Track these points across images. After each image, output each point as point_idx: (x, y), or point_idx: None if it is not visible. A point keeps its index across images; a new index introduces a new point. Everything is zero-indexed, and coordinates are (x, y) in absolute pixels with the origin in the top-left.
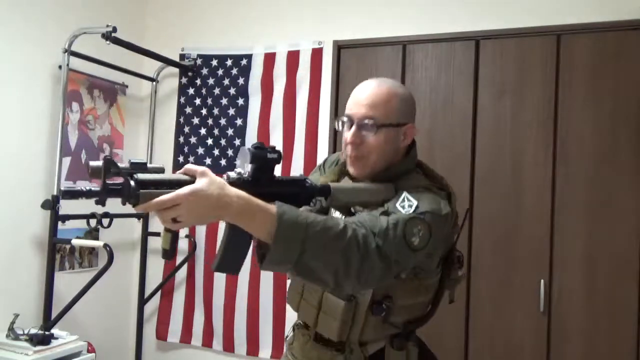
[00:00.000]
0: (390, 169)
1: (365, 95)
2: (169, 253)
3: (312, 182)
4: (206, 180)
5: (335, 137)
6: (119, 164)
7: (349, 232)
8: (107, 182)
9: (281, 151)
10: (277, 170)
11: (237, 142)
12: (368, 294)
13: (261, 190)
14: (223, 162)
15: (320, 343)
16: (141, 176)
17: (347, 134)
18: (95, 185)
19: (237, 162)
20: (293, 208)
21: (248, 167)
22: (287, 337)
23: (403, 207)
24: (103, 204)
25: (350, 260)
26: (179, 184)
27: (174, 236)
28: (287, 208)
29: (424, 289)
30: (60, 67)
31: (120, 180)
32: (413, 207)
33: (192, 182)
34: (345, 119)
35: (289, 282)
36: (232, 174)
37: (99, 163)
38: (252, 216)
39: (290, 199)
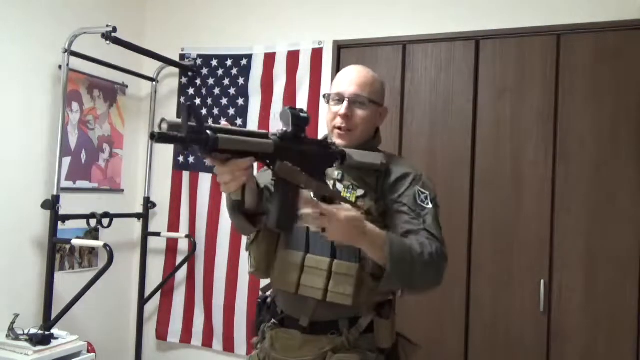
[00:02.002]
0: (366, 145)
1: (355, 76)
2: (237, 204)
3: (334, 144)
4: (356, 211)
5: None
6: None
7: (433, 251)
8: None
9: (308, 113)
10: None
11: None
12: (370, 260)
13: (299, 146)
14: None
15: (314, 333)
16: (216, 126)
17: (339, 108)
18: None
19: (281, 122)
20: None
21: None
22: (257, 343)
23: (423, 202)
24: (187, 149)
25: (439, 272)
26: (253, 134)
27: (243, 189)
28: (394, 237)
29: None
30: (60, 67)
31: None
32: (429, 199)
33: (265, 135)
34: (335, 96)
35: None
36: (278, 131)
37: (177, 119)
38: (372, 239)
39: (318, 157)
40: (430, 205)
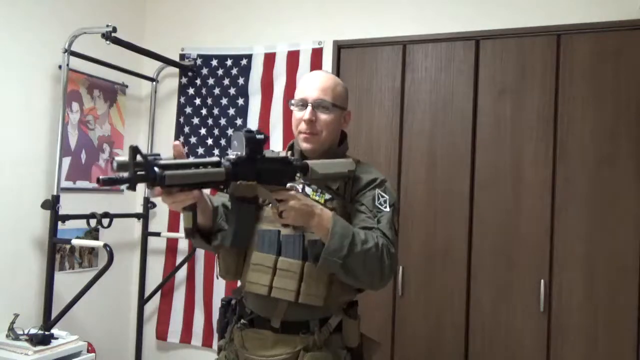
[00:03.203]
0: (331, 149)
1: (317, 81)
2: (190, 231)
3: (295, 159)
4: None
5: None
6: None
7: (379, 243)
8: (135, 169)
9: (265, 133)
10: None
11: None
12: None
13: (257, 166)
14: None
15: (286, 332)
16: (164, 161)
17: (302, 113)
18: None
19: (233, 144)
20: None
21: (238, 150)
22: (224, 345)
23: (381, 204)
24: (134, 189)
25: (383, 266)
26: (205, 164)
27: (194, 215)
28: (340, 218)
29: None
30: (60, 67)
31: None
32: (388, 203)
33: (217, 163)
34: (299, 101)
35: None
36: (232, 156)
37: (124, 158)
38: (320, 220)
39: (278, 174)
40: (387, 209)
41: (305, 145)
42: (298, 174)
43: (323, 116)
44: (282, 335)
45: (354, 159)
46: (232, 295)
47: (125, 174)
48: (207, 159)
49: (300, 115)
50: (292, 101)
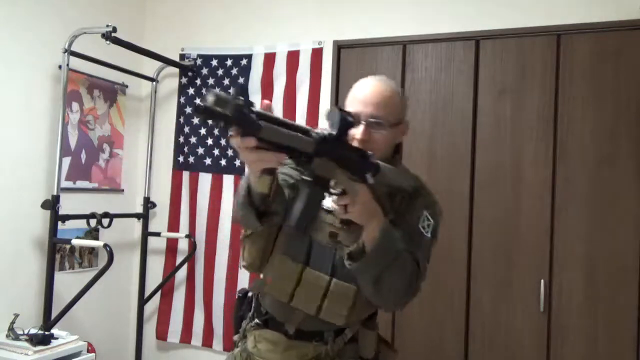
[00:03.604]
0: (384, 161)
1: (372, 94)
2: (264, 197)
3: (371, 155)
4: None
5: None
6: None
7: (412, 262)
8: (236, 107)
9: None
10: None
11: None
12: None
13: (342, 150)
14: (223, 162)
15: (299, 339)
16: (263, 111)
17: (354, 131)
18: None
19: (326, 120)
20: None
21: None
22: (237, 341)
23: (424, 228)
24: (226, 132)
25: (407, 293)
26: (296, 128)
27: (273, 180)
28: (394, 229)
29: None
30: (60, 67)
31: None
32: (431, 229)
33: (307, 131)
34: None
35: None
36: (323, 131)
37: (223, 93)
38: (378, 223)
39: (355, 166)
40: (428, 236)
41: None
42: (369, 173)
43: (377, 135)
44: (294, 342)
45: (412, 174)
46: (251, 288)
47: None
48: (296, 124)
49: (353, 132)
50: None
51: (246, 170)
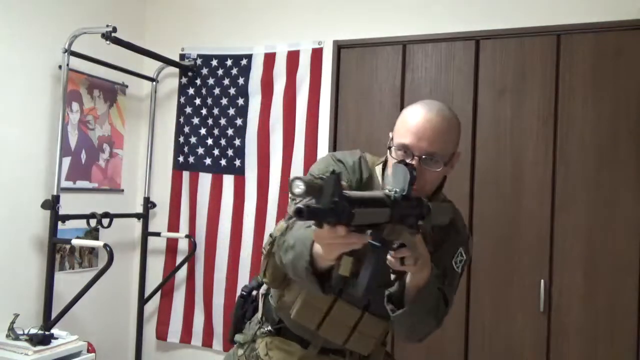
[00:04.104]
0: (433, 196)
1: (428, 128)
2: (344, 281)
3: (425, 201)
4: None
5: (335, 137)
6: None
7: (443, 302)
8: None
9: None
10: (276, 170)
11: (237, 142)
12: None
13: (407, 208)
14: (223, 162)
15: (321, 354)
16: (352, 194)
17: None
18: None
19: (393, 177)
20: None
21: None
22: (243, 343)
23: (456, 263)
24: (320, 226)
25: (440, 323)
26: (381, 202)
27: (355, 261)
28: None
29: None
30: (60, 67)
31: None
32: (463, 264)
33: (383, 200)
34: (400, 146)
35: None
36: (392, 194)
37: (314, 180)
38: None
39: (412, 217)
40: (459, 271)
41: None
42: (423, 218)
43: (429, 172)
44: (309, 352)
45: (449, 203)
46: (276, 307)
47: (305, 200)
48: (371, 194)
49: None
50: (393, 145)
51: (298, 236)
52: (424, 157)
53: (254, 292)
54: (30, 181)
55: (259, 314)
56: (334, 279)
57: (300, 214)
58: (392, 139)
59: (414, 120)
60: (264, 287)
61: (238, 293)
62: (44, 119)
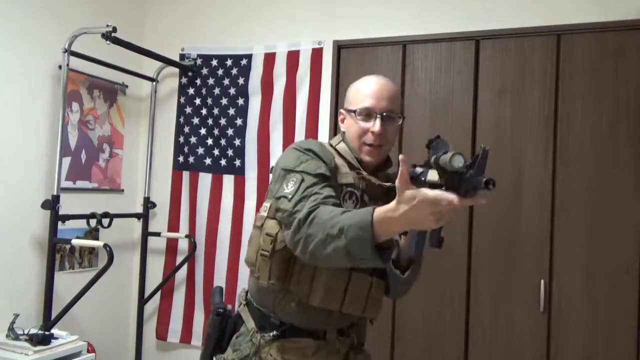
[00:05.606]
0: (387, 158)
1: (384, 89)
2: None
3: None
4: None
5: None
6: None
7: None
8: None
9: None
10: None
11: (237, 142)
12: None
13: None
14: (223, 162)
15: (324, 338)
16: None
17: (369, 124)
18: None
19: (431, 150)
20: None
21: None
22: (255, 343)
23: None
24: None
25: None
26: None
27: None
28: None
29: None
30: (60, 67)
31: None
32: None
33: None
34: (364, 111)
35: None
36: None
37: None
38: None
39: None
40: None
41: (368, 158)
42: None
43: (391, 128)
44: (322, 342)
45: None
46: (224, 304)
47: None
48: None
49: (367, 126)
50: (356, 110)
51: (352, 218)
52: (384, 114)
53: (229, 307)
54: (30, 181)
55: (248, 325)
56: (390, 247)
57: (488, 184)
58: (349, 110)
59: (370, 87)
60: (242, 297)
61: (238, 293)
62: (44, 119)
